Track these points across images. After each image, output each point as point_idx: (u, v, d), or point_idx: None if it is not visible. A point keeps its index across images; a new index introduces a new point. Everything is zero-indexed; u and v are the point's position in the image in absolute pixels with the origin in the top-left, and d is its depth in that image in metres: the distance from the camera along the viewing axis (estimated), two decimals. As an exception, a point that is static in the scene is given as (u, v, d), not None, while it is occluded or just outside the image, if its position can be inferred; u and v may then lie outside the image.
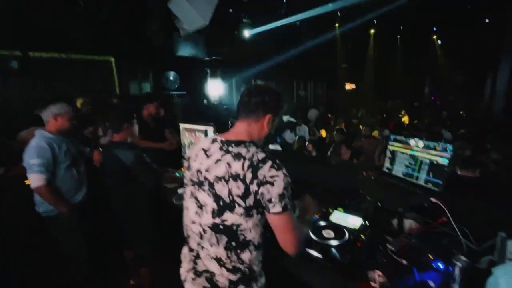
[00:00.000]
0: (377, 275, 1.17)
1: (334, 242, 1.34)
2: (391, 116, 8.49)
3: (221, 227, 1.00)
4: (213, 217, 1.01)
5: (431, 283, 1.14)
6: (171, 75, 6.24)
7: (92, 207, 2.33)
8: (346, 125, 6.86)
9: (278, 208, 0.96)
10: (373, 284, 1.15)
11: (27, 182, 2.04)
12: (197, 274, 1.10)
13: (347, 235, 1.39)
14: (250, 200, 0.96)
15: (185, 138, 3.04)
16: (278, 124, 1.17)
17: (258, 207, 0.99)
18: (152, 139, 3.04)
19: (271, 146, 3.31)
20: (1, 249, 2.40)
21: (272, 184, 0.94)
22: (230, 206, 0.98)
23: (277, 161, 0.99)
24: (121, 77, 5.58)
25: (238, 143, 1.04)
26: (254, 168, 0.95)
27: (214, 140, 1.10)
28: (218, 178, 0.99)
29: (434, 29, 10.55)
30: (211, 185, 1.01)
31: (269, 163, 0.96)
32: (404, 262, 1.27)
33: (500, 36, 7.55)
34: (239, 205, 0.97)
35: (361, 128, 6.34)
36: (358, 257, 1.30)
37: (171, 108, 5.71)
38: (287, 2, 6.23)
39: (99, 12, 4.64)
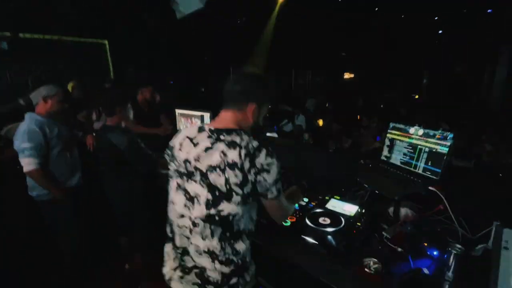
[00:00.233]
0: (372, 262, 1.18)
1: (330, 229, 1.34)
2: (389, 110, 8.45)
3: (217, 217, 0.97)
4: (208, 208, 0.97)
5: (426, 270, 1.15)
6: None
7: (86, 192, 2.30)
8: (346, 114, 6.86)
9: (273, 194, 1.00)
10: (368, 270, 1.16)
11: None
12: (185, 271, 1.05)
13: (343, 222, 1.39)
14: (248, 188, 0.95)
15: (181, 123, 3.00)
16: (266, 113, 1.10)
17: (254, 195, 0.98)
18: (147, 125, 2.99)
19: (268, 134, 3.29)
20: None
21: (268, 172, 0.95)
22: (227, 196, 0.95)
23: (270, 148, 0.98)
24: (115, 61, 5.43)
25: (228, 131, 0.99)
26: (251, 156, 0.93)
27: (201, 129, 1.04)
28: (212, 167, 0.95)
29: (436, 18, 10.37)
30: (204, 175, 0.97)
31: (264, 151, 0.95)
32: (399, 249, 1.27)
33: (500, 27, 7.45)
34: (237, 194, 0.95)
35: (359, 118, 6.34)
36: (354, 244, 1.31)
37: (167, 92, 5.60)
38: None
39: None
